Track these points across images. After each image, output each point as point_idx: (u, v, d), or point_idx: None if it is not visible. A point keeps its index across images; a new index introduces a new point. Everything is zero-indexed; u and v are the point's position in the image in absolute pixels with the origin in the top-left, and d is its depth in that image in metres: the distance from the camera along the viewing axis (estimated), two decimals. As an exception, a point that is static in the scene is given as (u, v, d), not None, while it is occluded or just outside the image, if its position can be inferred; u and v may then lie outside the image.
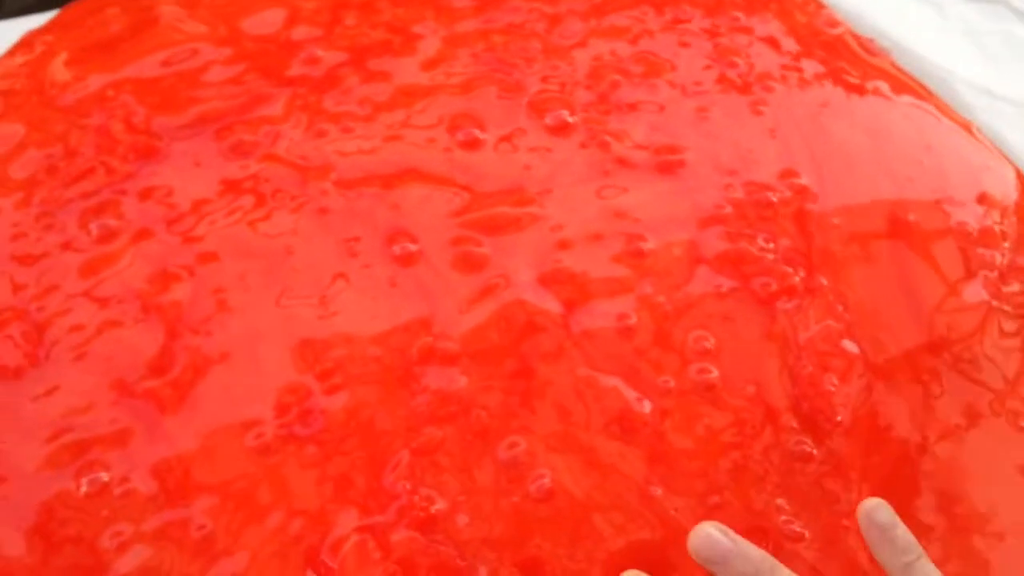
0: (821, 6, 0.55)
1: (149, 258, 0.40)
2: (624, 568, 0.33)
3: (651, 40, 0.50)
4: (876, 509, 0.33)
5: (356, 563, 0.33)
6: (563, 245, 0.41)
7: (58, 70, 0.48)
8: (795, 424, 0.38)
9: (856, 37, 0.54)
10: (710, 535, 0.32)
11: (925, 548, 0.33)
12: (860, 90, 0.50)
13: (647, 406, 0.37)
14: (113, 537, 0.34)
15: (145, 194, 0.42)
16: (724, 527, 0.32)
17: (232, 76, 0.47)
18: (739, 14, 0.53)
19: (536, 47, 0.50)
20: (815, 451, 0.37)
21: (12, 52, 0.51)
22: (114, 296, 0.39)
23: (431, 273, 0.40)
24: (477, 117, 0.46)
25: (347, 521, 0.34)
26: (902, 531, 0.33)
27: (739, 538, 0.32)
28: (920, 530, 0.37)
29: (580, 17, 0.52)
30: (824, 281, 0.42)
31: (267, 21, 0.50)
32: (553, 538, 0.35)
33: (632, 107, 0.47)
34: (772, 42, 0.52)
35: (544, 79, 0.48)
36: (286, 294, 0.39)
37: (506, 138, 0.45)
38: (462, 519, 0.35)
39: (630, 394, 0.38)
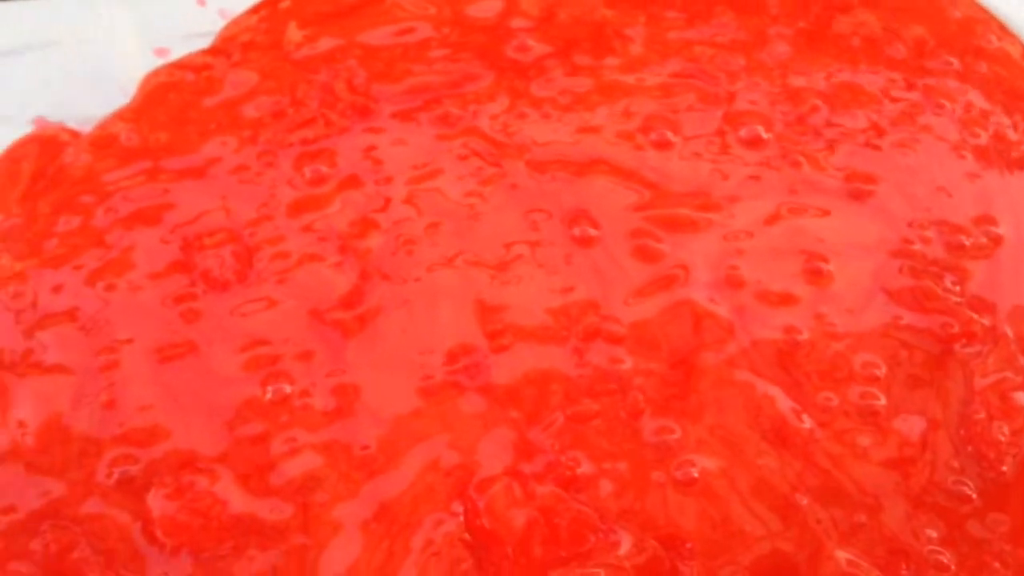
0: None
1: (353, 205, 0.44)
2: (761, 570, 0.33)
3: (856, 73, 0.50)
4: None
5: (502, 503, 0.35)
6: (741, 253, 0.42)
7: (293, 30, 0.52)
8: (956, 464, 0.37)
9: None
10: None
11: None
12: (1074, 149, 0.48)
13: (806, 420, 0.38)
14: (287, 442, 0.37)
15: (356, 148, 0.46)
16: None
17: (448, 54, 0.50)
18: (953, 59, 0.52)
19: (740, 63, 0.50)
20: (974, 495, 0.37)
21: (254, 10, 0.56)
22: (318, 234, 0.43)
23: (607, 258, 0.42)
24: (672, 121, 0.47)
25: (497, 464, 0.36)
26: None
27: None
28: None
29: (788, 41, 0.52)
30: (1010, 332, 0.41)
31: (487, 8, 0.53)
32: (694, 522, 0.36)
33: (829, 132, 0.47)
34: (986, 90, 0.50)
35: (743, 94, 0.49)
36: (468, 255, 0.42)
37: (698, 144, 0.46)
38: (606, 486, 0.36)
39: (789, 405, 0.38)
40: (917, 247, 0.43)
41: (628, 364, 0.39)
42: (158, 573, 0.34)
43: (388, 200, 0.44)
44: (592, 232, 0.43)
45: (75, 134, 0.46)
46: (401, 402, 0.38)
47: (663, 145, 0.46)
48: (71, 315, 0.40)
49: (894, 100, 0.48)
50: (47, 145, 0.46)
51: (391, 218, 0.43)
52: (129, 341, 0.39)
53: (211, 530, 0.35)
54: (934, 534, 0.36)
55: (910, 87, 0.49)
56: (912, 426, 0.38)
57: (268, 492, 0.36)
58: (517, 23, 0.52)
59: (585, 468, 0.36)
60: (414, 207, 0.43)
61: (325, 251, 0.42)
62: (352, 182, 0.44)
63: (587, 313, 0.40)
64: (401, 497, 0.36)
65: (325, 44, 0.51)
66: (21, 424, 0.37)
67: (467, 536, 0.35)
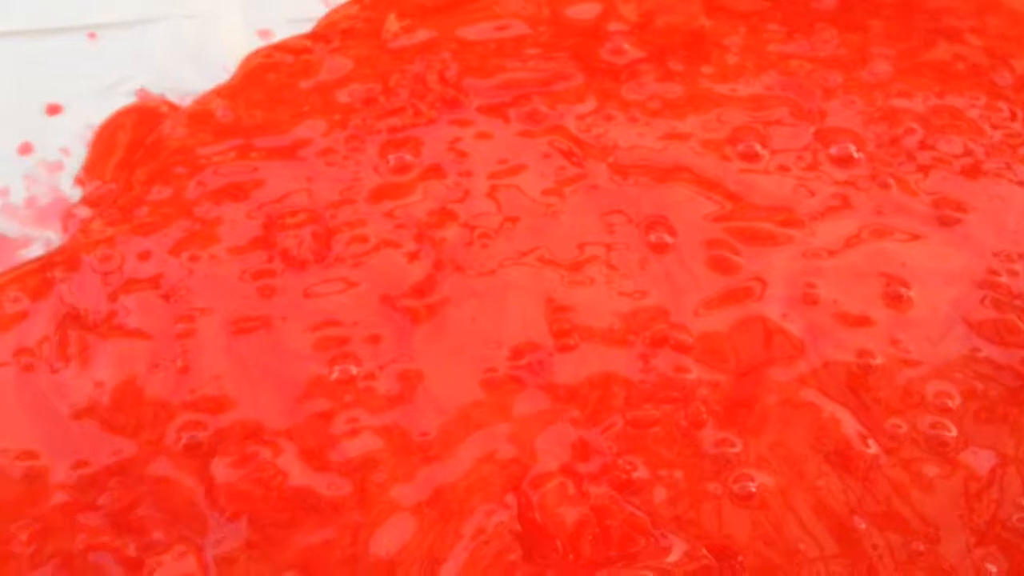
0: None
1: (433, 195, 0.44)
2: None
3: (957, 98, 0.49)
4: None
5: (555, 499, 0.35)
6: (820, 272, 0.41)
7: (392, 21, 0.53)
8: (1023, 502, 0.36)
9: None
10: None
11: None
12: None
13: (872, 445, 0.37)
14: (349, 421, 0.38)
15: (442, 139, 0.46)
16: None
17: (541, 53, 0.50)
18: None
19: (837, 80, 0.49)
20: (1040, 535, 0.36)
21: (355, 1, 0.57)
22: (397, 221, 0.43)
23: (681, 266, 0.42)
24: (761, 134, 0.47)
25: (553, 462, 0.36)
26: None
27: None
28: None
29: (889, 61, 0.51)
30: (1093, 374, 0.39)
31: (586, 11, 0.53)
32: (747, 536, 0.35)
33: (923, 156, 0.46)
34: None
35: (837, 112, 0.48)
36: (543, 252, 0.42)
37: (786, 159, 0.46)
38: (660, 493, 0.36)
39: (855, 428, 0.37)
40: (1003, 279, 0.42)
41: (693, 374, 0.39)
42: (216, 537, 0.35)
43: (468, 192, 0.44)
44: (668, 239, 0.43)
45: (174, 107, 0.48)
46: (463, 392, 0.38)
47: (750, 157, 0.46)
48: (154, 282, 0.41)
49: (994, 127, 0.47)
50: (146, 116, 0.48)
51: (470, 211, 0.44)
52: (207, 311, 0.40)
53: (270, 500, 0.36)
54: (994, 569, 0.35)
55: (1012, 116, 0.47)
56: (981, 460, 0.37)
57: (327, 468, 0.37)
58: (614, 27, 0.52)
59: (641, 473, 0.36)
60: (494, 201, 0.44)
61: (402, 238, 0.43)
62: (435, 172, 0.45)
63: (656, 320, 0.40)
64: (456, 485, 0.36)
65: (422, 36, 0.52)
66: (99, 384, 0.39)
67: (518, 527, 0.35)
